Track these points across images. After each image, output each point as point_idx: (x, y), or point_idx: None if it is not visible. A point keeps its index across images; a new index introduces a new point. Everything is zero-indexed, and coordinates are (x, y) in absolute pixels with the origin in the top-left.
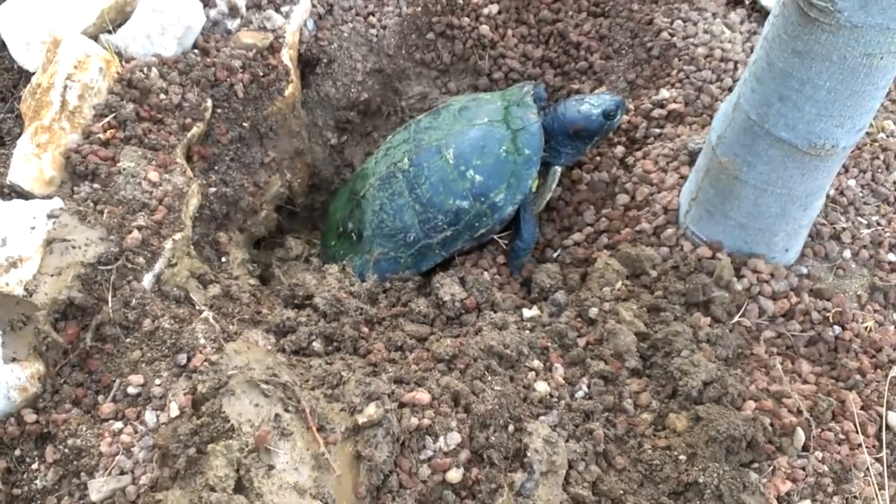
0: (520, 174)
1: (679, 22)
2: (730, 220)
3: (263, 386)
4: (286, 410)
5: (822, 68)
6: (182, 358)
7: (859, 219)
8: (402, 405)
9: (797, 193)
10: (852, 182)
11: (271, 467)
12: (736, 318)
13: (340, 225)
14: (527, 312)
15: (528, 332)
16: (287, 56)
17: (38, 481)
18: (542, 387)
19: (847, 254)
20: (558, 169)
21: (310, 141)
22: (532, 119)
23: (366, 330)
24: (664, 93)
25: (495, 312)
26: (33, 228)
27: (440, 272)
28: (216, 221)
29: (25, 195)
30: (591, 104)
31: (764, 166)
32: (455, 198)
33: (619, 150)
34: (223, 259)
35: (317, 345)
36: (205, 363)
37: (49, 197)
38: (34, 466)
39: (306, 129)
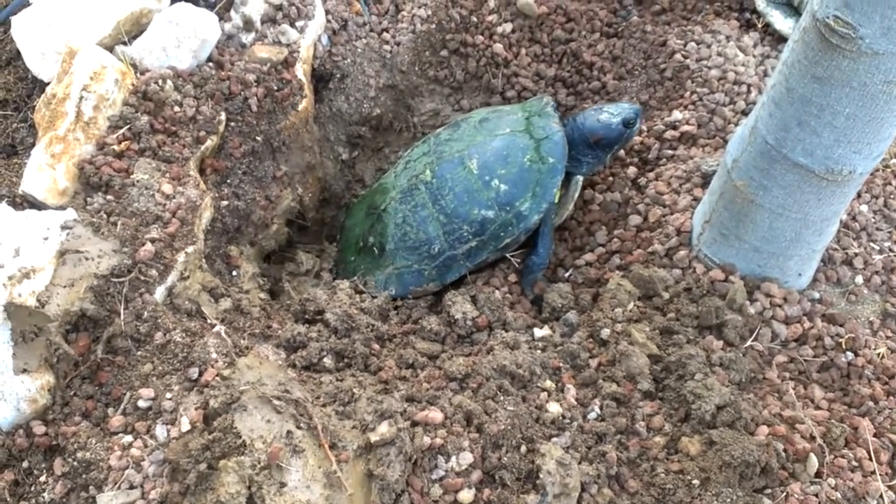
0: (545, 183)
1: (692, 44)
2: (744, 243)
3: (276, 402)
4: (298, 427)
5: (842, 94)
6: (194, 372)
7: (871, 244)
8: (414, 424)
9: (813, 218)
10: (864, 207)
11: (283, 484)
12: (749, 342)
13: (360, 240)
14: (538, 332)
15: (539, 351)
16: (301, 71)
17: (45, 494)
18: (554, 408)
19: (859, 279)
20: (579, 179)
21: (321, 155)
22: (555, 128)
23: (377, 347)
24: (677, 114)
25: (507, 331)
26: (46, 239)
27: (451, 290)
28: (227, 235)
29: (38, 205)
30: (609, 113)
31: (780, 191)
32: (480, 208)
33: (632, 170)
34: (234, 273)
35: (328, 361)
36: (217, 378)
37: (62, 208)
38: (42, 479)
39: (318, 144)
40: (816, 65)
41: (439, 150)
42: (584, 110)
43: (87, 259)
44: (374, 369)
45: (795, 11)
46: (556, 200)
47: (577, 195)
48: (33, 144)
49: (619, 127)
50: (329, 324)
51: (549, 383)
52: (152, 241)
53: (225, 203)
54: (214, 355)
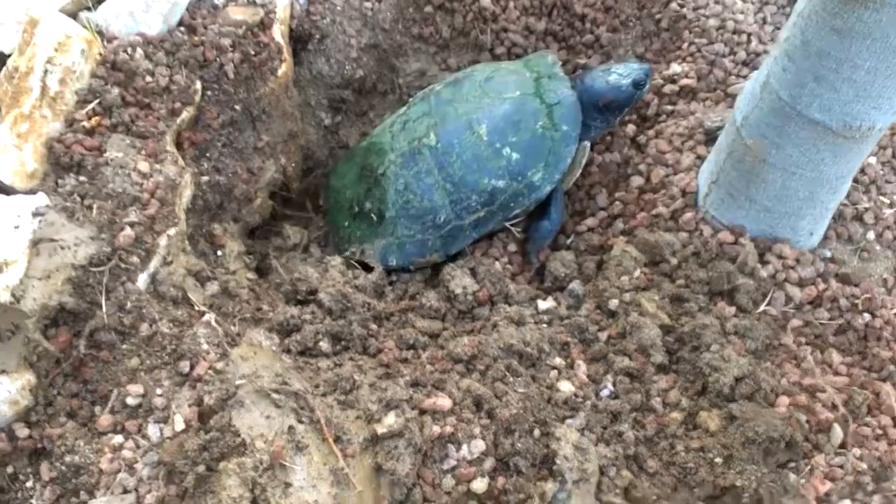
0: (558, 151)
1: None
2: (754, 203)
3: (274, 396)
4: (300, 421)
5: (863, 47)
6: (184, 365)
7: (881, 198)
8: (421, 412)
9: (827, 176)
10: (873, 160)
11: (288, 485)
12: (762, 307)
13: (355, 204)
14: (542, 304)
15: (545, 325)
16: (279, 33)
17: (34, 500)
18: (566, 386)
19: (871, 235)
20: (587, 144)
21: (303, 122)
22: (567, 93)
23: (374, 327)
24: (675, 67)
25: (510, 305)
26: (17, 228)
27: (449, 262)
28: (209, 212)
29: (6, 189)
30: (619, 74)
31: (794, 149)
32: (490, 177)
33: (631, 128)
34: (219, 252)
35: (324, 344)
36: (210, 371)
37: (32, 191)
38: (29, 484)
39: (299, 110)
40: (836, 16)
41: (443, 111)
42: (591, 71)
43: (62, 248)
44: (373, 351)
45: None
46: None
47: (584, 161)
48: None
49: (629, 89)
50: (323, 304)
51: (558, 360)
52: (131, 224)
53: (205, 179)
54: (206, 346)
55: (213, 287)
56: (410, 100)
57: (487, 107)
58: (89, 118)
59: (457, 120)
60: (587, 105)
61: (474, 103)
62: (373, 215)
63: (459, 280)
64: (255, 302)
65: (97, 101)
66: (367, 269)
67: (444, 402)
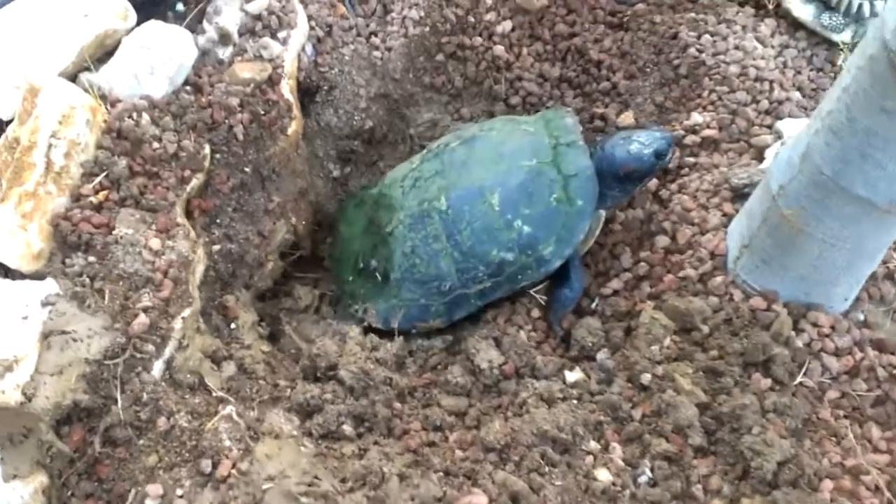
0: (571, 226)
1: (707, 36)
2: (789, 271)
3: (304, 500)
4: None
5: None
6: (206, 464)
7: None
8: None
9: (868, 249)
10: None
11: None
12: (799, 379)
13: (361, 259)
14: (570, 376)
15: (575, 401)
16: (287, 89)
17: None
18: (603, 475)
19: None
20: (603, 213)
21: (311, 175)
22: (585, 164)
23: (398, 406)
24: (696, 117)
25: (537, 379)
26: (26, 318)
27: (474, 334)
28: (221, 282)
29: (11, 274)
30: (640, 143)
31: (835, 222)
32: (499, 249)
33: (652, 182)
34: (232, 326)
35: (347, 427)
36: (234, 472)
37: (39, 274)
38: None
39: (307, 162)
40: (886, 98)
41: (455, 174)
42: (611, 138)
43: (74, 341)
44: (398, 433)
45: None
46: None
47: (598, 231)
48: None
49: (650, 159)
50: (344, 382)
51: (593, 444)
52: (145, 310)
53: (217, 248)
54: (227, 443)
55: (229, 368)
56: (424, 150)
57: (501, 174)
58: (96, 193)
59: (469, 185)
60: (606, 173)
61: (488, 168)
62: (378, 274)
63: (485, 353)
64: (271, 377)
65: (104, 173)
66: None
67: (480, 499)
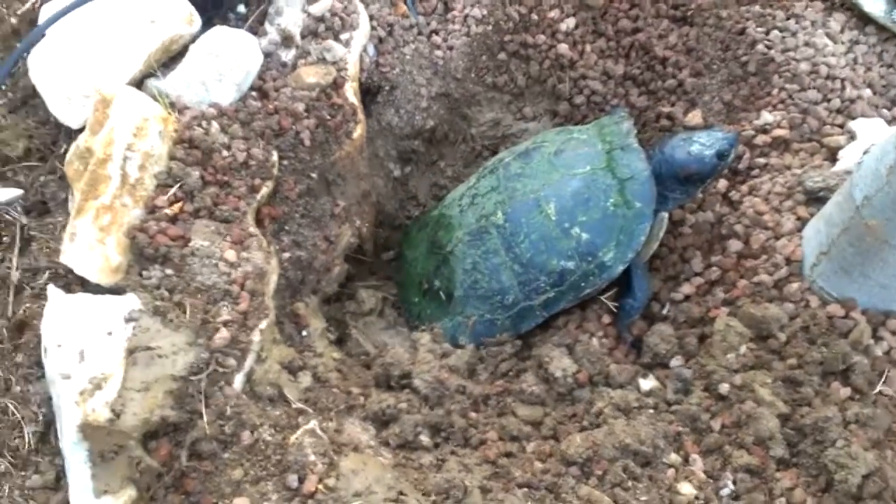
0: (631, 230)
1: (776, 32)
2: (869, 279)
3: None
4: None
5: None
6: (293, 480)
7: None
8: None
9: None
10: None
11: None
12: (878, 388)
13: (425, 281)
14: (644, 384)
15: (651, 410)
16: (351, 92)
17: None
18: (686, 489)
19: None
20: (665, 215)
21: (372, 175)
22: (641, 167)
23: (474, 415)
24: (766, 116)
25: (611, 387)
26: (110, 334)
27: (546, 342)
28: (291, 289)
29: (89, 285)
30: (702, 144)
31: None
32: (559, 258)
33: (722, 183)
34: (303, 333)
35: (424, 438)
36: (320, 487)
37: (118, 287)
38: None
39: (368, 164)
40: None
41: (510, 188)
42: (671, 139)
43: (160, 357)
44: (475, 443)
45: None
46: None
47: (662, 233)
48: (65, 200)
49: (712, 160)
50: (419, 391)
51: (673, 457)
52: (226, 324)
53: (286, 255)
54: (312, 458)
55: (306, 378)
56: (480, 169)
57: (556, 183)
58: (171, 204)
59: (524, 197)
60: (666, 176)
61: (543, 179)
62: (442, 294)
63: (558, 362)
64: (344, 385)
65: (178, 185)
66: None
67: None
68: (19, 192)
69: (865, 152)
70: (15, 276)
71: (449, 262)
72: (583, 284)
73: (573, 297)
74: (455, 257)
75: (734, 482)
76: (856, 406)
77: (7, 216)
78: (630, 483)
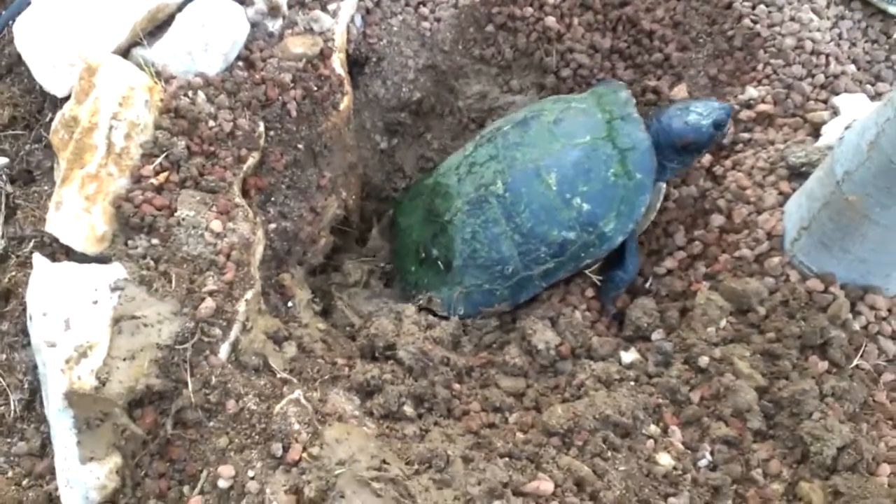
0: (631, 200)
1: (762, 7)
2: (848, 254)
3: (375, 484)
4: None
5: None
6: (277, 448)
7: None
8: (522, 494)
9: None
10: None
11: None
12: (855, 362)
13: (422, 249)
14: (625, 357)
15: (632, 382)
16: (339, 63)
17: None
18: (664, 459)
19: None
20: (662, 185)
21: (359, 147)
22: (642, 137)
23: (457, 386)
24: (751, 91)
25: (593, 360)
26: (96, 303)
27: (530, 315)
28: (277, 260)
29: (74, 253)
30: (698, 114)
31: None
32: (560, 228)
33: (706, 157)
34: (289, 304)
35: (408, 408)
36: (305, 456)
37: (103, 256)
38: None
39: (355, 136)
40: None
41: (510, 157)
42: (668, 109)
43: (145, 326)
44: (458, 414)
45: None
46: None
47: (659, 204)
48: (51, 168)
49: (709, 129)
50: (403, 362)
51: (653, 428)
52: (211, 293)
53: (272, 226)
54: (297, 426)
55: (290, 349)
56: (476, 136)
57: (557, 153)
58: (157, 174)
59: (524, 167)
60: (664, 146)
61: (543, 148)
62: (440, 263)
63: (541, 334)
64: (329, 356)
65: (164, 155)
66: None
67: (546, 485)
68: (4, 160)
69: (847, 128)
70: (0, 244)
71: (447, 230)
72: (583, 255)
73: (573, 267)
74: (454, 226)
75: (712, 453)
76: (832, 379)
77: None
78: (610, 453)
